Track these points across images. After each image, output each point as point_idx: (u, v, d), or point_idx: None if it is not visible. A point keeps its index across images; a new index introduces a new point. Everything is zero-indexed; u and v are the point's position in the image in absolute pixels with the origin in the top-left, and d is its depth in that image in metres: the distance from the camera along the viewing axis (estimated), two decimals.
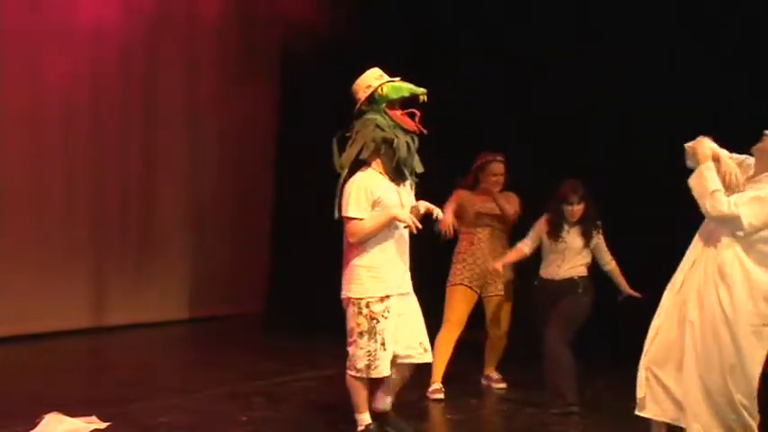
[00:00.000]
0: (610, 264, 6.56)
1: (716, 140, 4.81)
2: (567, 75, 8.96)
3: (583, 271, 6.53)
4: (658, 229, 7.91)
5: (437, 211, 5.39)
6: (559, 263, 6.55)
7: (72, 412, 5.64)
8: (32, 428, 5.41)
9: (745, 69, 8.15)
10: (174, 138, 10.14)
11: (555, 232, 6.53)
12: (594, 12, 8.86)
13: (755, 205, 4.61)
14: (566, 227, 6.52)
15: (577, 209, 6.46)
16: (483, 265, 6.85)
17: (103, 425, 5.57)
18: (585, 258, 6.55)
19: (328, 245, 8.66)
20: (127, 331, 9.50)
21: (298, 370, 7.54)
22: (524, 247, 6.68)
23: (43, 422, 5.47)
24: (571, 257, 6.53)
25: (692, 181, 4.74)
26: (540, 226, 6.64)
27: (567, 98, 8.91)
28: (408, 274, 5.42)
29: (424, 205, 5.38)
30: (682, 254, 4.86)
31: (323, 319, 8.87)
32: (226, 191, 10.66)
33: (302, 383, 7.09)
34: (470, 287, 6.85)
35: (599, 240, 6.57)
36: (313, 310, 9.34)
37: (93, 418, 5.64)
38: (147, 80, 9.83)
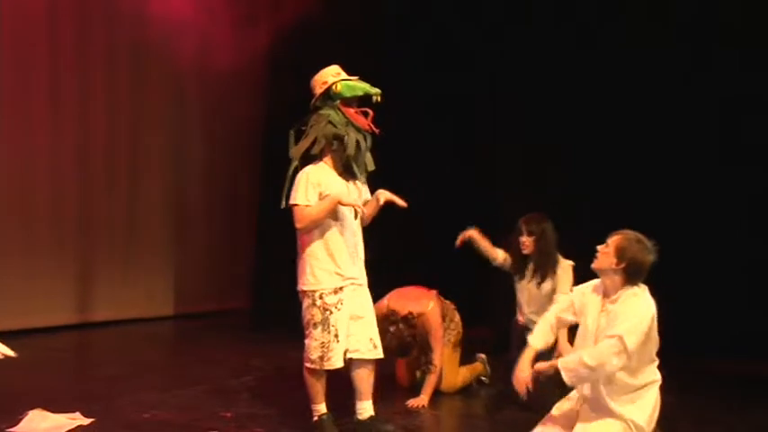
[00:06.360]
0: None
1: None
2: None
3: None
4: None
5: (400, 202, 5.34)
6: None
7: (57, 408, 5.63)
8: (15, 425, 5.40)
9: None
10: (160, 136, 10.14)
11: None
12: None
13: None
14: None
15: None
16: None
17: (87, 421, 5.57)
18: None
19: None
20: (112, 327, 9.50)
21: (283, 366, 7.53)
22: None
23: (26, 419, 5.47)
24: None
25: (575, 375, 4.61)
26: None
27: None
28: (362, 266, 5.40)
29: (384, 195, 5.36)
30: None
31: None
32: (211, 188, 10.68)
33: (287, 380, 7.08)
34: None
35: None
36: (298, 306, 9.32)
37: (77, 414, 5.64)
38: (134, 79, 9.81)
